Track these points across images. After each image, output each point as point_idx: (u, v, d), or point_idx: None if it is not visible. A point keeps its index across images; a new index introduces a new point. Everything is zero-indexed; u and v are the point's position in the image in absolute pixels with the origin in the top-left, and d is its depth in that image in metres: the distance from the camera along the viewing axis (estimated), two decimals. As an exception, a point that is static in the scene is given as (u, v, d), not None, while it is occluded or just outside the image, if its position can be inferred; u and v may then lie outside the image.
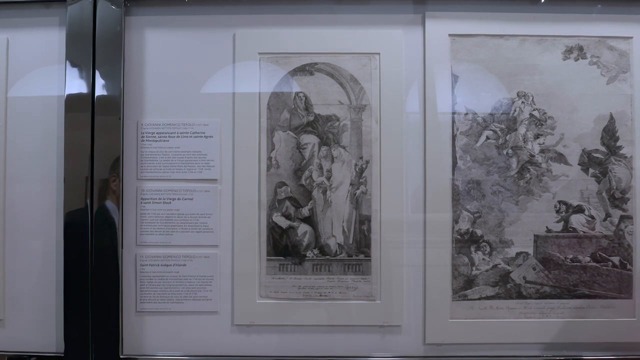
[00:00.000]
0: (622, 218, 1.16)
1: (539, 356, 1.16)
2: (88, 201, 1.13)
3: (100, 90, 1.13)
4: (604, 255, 1.16)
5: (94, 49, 1.14)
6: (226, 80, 1.17)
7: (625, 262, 1.16)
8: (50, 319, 1.17)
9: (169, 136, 1.16)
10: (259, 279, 1.15)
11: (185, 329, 1.18)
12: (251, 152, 1.15)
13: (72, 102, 1.13)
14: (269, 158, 1.15)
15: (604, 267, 1.16)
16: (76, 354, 1.14)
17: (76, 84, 1.13)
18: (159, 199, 1.16)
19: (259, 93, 1.16)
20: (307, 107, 1.15)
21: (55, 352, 1.17)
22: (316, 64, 1.15)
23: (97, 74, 1.14)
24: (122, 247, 1.15)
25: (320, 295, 1.15)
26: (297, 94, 1.15)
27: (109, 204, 1.13)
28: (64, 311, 1.14)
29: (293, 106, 1.15)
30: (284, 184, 1.14)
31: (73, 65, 1.13)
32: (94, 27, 1.15)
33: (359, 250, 1.14)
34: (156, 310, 1.17)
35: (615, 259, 1.16)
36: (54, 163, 1.18)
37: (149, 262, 1.16)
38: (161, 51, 1.18)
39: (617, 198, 1.17)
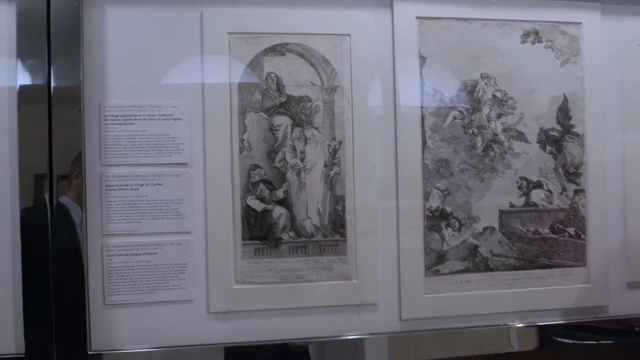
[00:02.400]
0: (576, 192, 1.02)
1: (506, 324, 0.98)
2: (47, 190, 0.84)
3: (57, 74, 0.85)
4: (561, 227, 1.01)
5: (48, 30, 0.84)
6: (194, 60, 0.94)
7: (580, 232, 1.02)
8: (7, 318, 0.87)
9: (134, 119, 0.89)
10: (234, 264, 0.92)
11: (158, 320, 0.94)
12: (223, 135, 0.91)
13: (26, 93, 0.83)
14: (241, 140, 0.91)
15: (562, 238, 1.01)
16: (38, 353, 0.85)
17: (30, 70, 0.83)
18: (126, 185, 0.90)
19: (229, 74, 0.91)
20: (279, 88, 0.91)
21: (15, 353, 0.87)
22: (287, 44, 0.92)
23: (53, 54, 0.85)
24: (86, 238, 0.87)
25: (297, 278, 0.93)
26: (268, 74, 0.92)
27: (71, 192, 0.85)
28: (23, 309, 0.87)
29: (264, 87, 0.91)
30: (257, 166, 0.91)
31: (26, 48, 0.83)
32: (47, 4, 0.85)
33: (334, 231, 0.93)
34: (126, 302, 0.92)
35: (571, 230, 1.01)
36: (7, 158, 0.88)
37: (116, 252, 0.90)
38: (124, 30, 0.93)
39: (572, 173, 1.01)
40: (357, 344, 0.96)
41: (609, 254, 1.05)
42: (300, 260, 0.95)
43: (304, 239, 0.95)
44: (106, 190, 0.91)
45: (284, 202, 0.95)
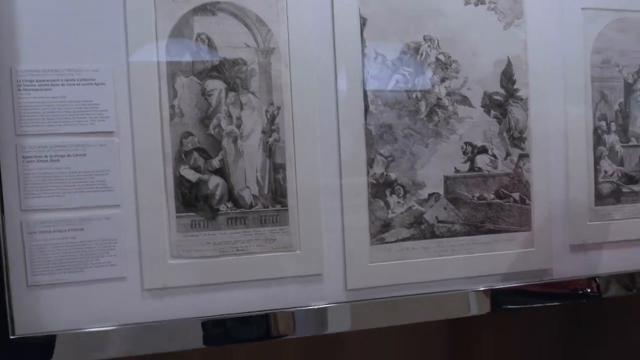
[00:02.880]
0: (520, 156, 0.97)
1: (453, 290, 0.93)
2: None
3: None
4: (506, 192, 0.96)
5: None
6: (116, 20, 0.84)
7: (525, 197, 0.98)
8: None
9: (52, 84, 0.79)
10: (169, 238, 0.83)
11: (88, 299, 0.85)
12: (151, 100, 0.82)
13: None
14: (172, 106, 0.82)
15: (507, 203, 0.97)
16: (-46, 340, 0.75)
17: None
18: (45, 156, 0.80)
19: (156, 34, 0.82)
20: (211, 49, 0.81)
21: None
22: (218, 2, 0.84)
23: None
24: (2, 214, 0.76)
25: (237, 250, 0.85)
26: (199, 35, 0.82)
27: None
28: None
29: (195, 49, 0.80)
30: (190, 134, 0.82)
31: None
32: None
33: (275, 201, 0.85)
34: (52, 282, 0.83)
35: (516, 195, 0.97)
36: None
37: (38, 229, 0.80)
38: (34, -15, 0.78)
39: (516, 138, 0.97)
40: (302, 316, 0.90)
41: (552, 218, 1.02)
42: (239, 232, 0.88)
43: (243, 209, 0.88)
44: (23, 162, 0.81)
45: (220, 172, 0.87)
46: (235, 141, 0.88)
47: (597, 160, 1.06)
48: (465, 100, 0.97)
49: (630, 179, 1.08)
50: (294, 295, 0.91)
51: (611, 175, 1.07)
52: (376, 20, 0.93)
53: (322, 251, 0.91)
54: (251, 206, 0.89)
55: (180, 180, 0.86)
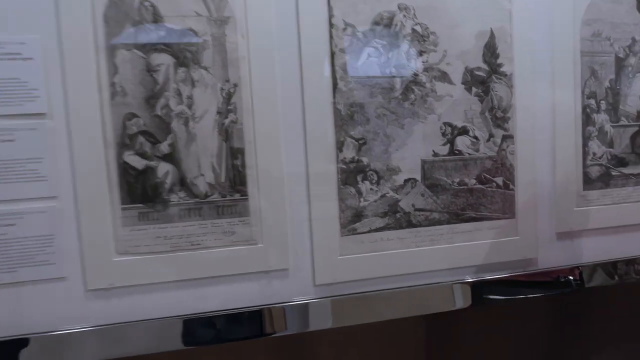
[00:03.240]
0: (504, 138, 0.87)
1: (432, 283, 0.83)
2: None
3: None
4: (488, 176, 0.86)
5: None
6: None
7: (508, 182, 0.88)
8: None
9: None
10: (114, 232, 0.73)
11: (23, 302, 0.74)
12: (87, 78, 0.71)
13: None
14: (112, 84, 0.70)
15: (489, 189, 0.87)
16: None
17: None
18: None
19: (92, 1, 0.68)
20: (156, 19, 0.69)
21: None
22: None
23: None
24: None
25: (192, 245, 0.74)
26: (142, 2, 0.69)
27: None
28: None
29: (138, 18, 0.68)
30: (134, 115, 0.71)
31: None
32: None
33: (233, 189, 0.74)
34: None
35: (499, 180, 0.87)
36: None
37: None
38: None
39: (499, 117, 0.86)
40: (267, 315, 0.80)
41: (537, 204, 0.93)
42: (194, 225, 0.77)
43: (197, 199, 0.77)
44: (-60, 149, 0.69)
45: (171, 158, 0.75)
46: (186, 123, 0.76)
47: (585, 141, 0.96)
48: (444, 77, 0.87)
49: (619, 161, 0.99)
50: (257, 292, 0.81)
51: (600, 158, 0.98)
52: (345, -14, 0.81)
53: (287, 244, 0.80)
54: (206, 196, 0.78)
55: (124, 168, 0.75)
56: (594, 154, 0.97)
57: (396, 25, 0.84)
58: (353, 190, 0.84)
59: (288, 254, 0.81)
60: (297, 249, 0.81)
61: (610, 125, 0.98)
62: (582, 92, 0.96)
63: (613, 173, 0.99)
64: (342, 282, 0.85)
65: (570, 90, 0.94)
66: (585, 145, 0.96)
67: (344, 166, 0.83)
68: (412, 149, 0.86)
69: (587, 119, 0.97)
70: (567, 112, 0.93)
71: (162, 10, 0.75)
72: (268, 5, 0.78)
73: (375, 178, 0.85)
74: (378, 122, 0.84)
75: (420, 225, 0.87)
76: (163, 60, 0.75)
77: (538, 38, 0.90)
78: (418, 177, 0.87)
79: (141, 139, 0.75)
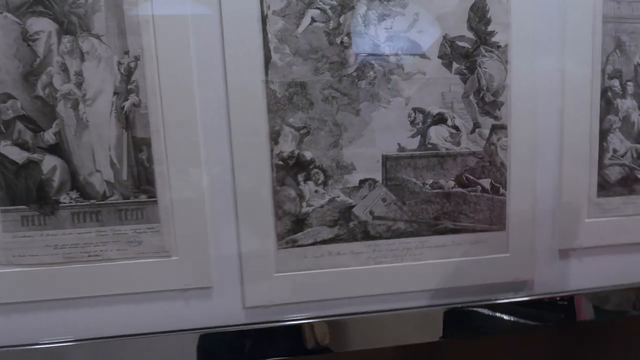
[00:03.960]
0: (494, 128, 0.64)
1: (396, 310, 0.63)
2: None
3: None
4: (472, 177, 0.65)
5: None
6: None
7: (498, 185, 0.65)
8: None
9: None
10: None
11: None
12: None
13: None
14: None
15: (472, 193, 0.65)
16: None
17: None
18: None
19: None
20: None
21: None
22: None
23: None
24: None
25: (89, 256, 0.58)
26: None
27: None
28: None
29: None
30: (9, 96, 0.55)
31: None
32: None
33: (138, 189, 0.57)
34: None
35: (486, 182, 0.65)
36: None
37: None
38: None
39: (488, 102, 0.64)
40: (184, 341, 0.63)
41: (536, 214, 0.69)
42: (91, 232, 0.60)
43: (93, 201, 0.59)
44: None
45: (58, 149, 0.58)
46: (75, 106, 0.58)
47: (604, 134, 0.71)
48: (415, 48, 0.64)
49: (650, 161, 0.74)
50: (173, 314, 0.64)
51: (623, 156, 0.73)
52: None
53: (209, 257, 0.62)
54: (105, 197, 0.60)
55: (1, 162, 0.58)
56: (615, 150, 0.73)
57: (351, -20, 0.62)
58: (293, 192, 0.64)
59: (210, 270, 0.62)
60: (222, 264, 0.62)
61: (639, 114, 0.73)
62: (603, 71, 0.70)
63: (639, 176, 0.74)
64: (280, 304, 0.66)
65: (586, 67, 0.69)
66: (603, 139, 0.70)
67: (281, 162, 0.63)
68: (370, 142, 0.64)
69: (607, 106, 0.72)
70: (581, 95, 0.68)
71: (41, -40, 0.57)
72: (179, -46, 0.59)
73: (322, 178, 0.64)
74: (325, 107, 0.63)
75: (381, 238, 0.66)
76: (43, 26, 0.57)
77: (545, -2, 0.68)
78: (378, 177, 0.66)
79: (20, 125, 0.58)
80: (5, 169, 0.59)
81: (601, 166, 0.73)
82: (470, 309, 0.69)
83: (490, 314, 0.71)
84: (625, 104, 0.73)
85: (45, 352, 0.60)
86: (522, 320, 0.72)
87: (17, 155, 0.59)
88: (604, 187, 0.72)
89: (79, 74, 0.59)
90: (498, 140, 0.69)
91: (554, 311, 0.72)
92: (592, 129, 0.70)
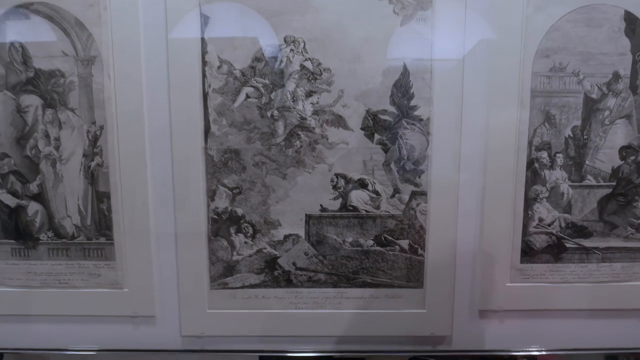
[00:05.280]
0: (414, 194, 0.70)
1: (316, 352, 0.71)
2: None
3: None
4: (391, 238, 0.70)
5: None
6: None
7: (416, 246, 0.70)
8: None
9: None
10: None
11: None
12: None
13: None
14: None
15: (390, 252, 0.69)
16: None
17: None
18: None
19: None
20: (25, 60, 0.67)
21: None
22: (32, 4, 0.66)
23: None
24: None
25: (59, 283, 0.72)
26: (12, 44, 0.66)
27: None
28: None
29: (8, 59, 0.65)
30: (5, 155, 0.69)
31: None
32: None
33: (99, 233, 0.70)
34: None
35: (404, 243, 0.71)
36: None
37: None
38: None
39: (409, 170, 0.69)
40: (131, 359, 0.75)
41: (457, 274, 0.73)
42: (62, 264, 0.74)
43: (64, 240, 0.73)
44: None
45: (40, 198, 0.73)
46: (54, 164, 0.72)
47: (529, 203, 0.73)
48: (339, 121, 0.71)
49: (579, 231, 0.74)
50: (124, 336, 0.76)
51: (550, 225, 0.74)
52: (222, 19, 0.69)
53: (153, 291, 0.74)
54: (73, 237, 0.74)
55: None
56: (541, 219, 0.74)
57: (281, 61, 0.70)
58: (225, 242, 0.74)
59: (154, 302, 0.74)
60: (164, 298, 0.74)
61: (569, 185, 0.73)
62: (530, 143, 0.72)
63: (568, 245, 0.74)
64: (211, 335, 0.76)
65: (510, 139, 0.71)
66: (529, 208, 0.72)
67: (215, 216, 0.73)
68: (295, 202, 0.72)
69: (534, 176, 0.73)
70: (504, 166, 0.71)
71: (32, 50, 0.70)
72: (136, 43, 0.70)
73: (251, 231, 0.73)
74: (255, 171, 0.72)
75: (302, 286, 0.74)
76: (32, 101, 0.71)
77: (469, 74, 0.69)
78: (301, 233, 0.73)
79: (12, 178, 0.73)
80: (1, 211, 0.75)
81: (525, 234, 0.75)
82: (382, 355, 0.75)
83: (406, 364, 0.76)
84: (554, 175, 0.74)
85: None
86: (437, 374, 0.76)
87: (10, 200, 0.75)
88: (528, 254, 0.74)
89: (57, 139, 0.73)
90: (417, 205, 0.74)
91: (468, 369, 0.75)
92: (516, 198, 0.71)
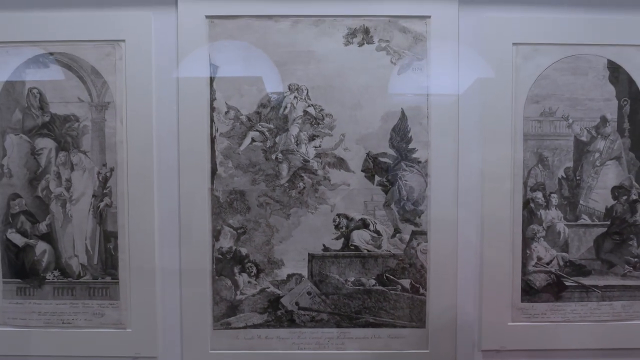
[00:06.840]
0: (414, 234, 0.72)
1: None
2: None
3: None
4: (392, 277, 0.72)
5: None
6: None
7: (418, 285, 0.72)
8: None
9: None
10: None
11: None
12: None
13: None
14: (1, 166, 0.70)
15: (392, 292, 0.71)
16: None
17: None
18: None
19: None
20: (42, 105, 0.72)
21: None
22: (52, 54, 0.69)
23: None
24: None
25: (63, 323, 0.73)
26: (30, 90, 0.70)
27: None
28: None
29: (26, 105, 0.70)
30: (17, 195, 0.72)
31: None
32: None
33: (105, 272, 0.72)
34: None
35: (406, 282, 0.73)
36: None
37: None
38: None
39: (409, 210, 0.72)
40: None
41: (459, 314, 0.75)
42: (66, 303, 0.75)
43: (70, 279, 0.75)
44: None
45: (48, 237, 0.75)
46: (64, 205, 0.75)
47: (527, 242, 0.75)
48: (340, 163, 0.75)
49: (578, 270, 0.76)
50: None
51: (548, 264, 0.76)
52: (230, 68, 0.74)
53: (156, 331, 0.75)
54: (79, 276, 0.75)
55: (7, 245, 0.76)
56: (540, 258, 0.76)
57: (285, 107, 0.74)
58: (229, 282, 0.75)
59: (157, 342, 0.75)
60: (166, 338, 0.75)
61: (565, 225, 0.76)
62: (525, 184, 0.76)
63: (567, 283, 0.76)
64: (214, 378, 0.76)
65: (506, 181, 0.75)
66: (526, 247, 0.74)
67: (220, 256, 0.75)
68: (298, 242, 0.74)
69: (530, 216, 0.76)
70: (501, 206, 0.74)
71: (49, 96, 0.75)
72: (149, 91, 0.74)
73: (255, 271, 0.75)
74: (260, 211, 0.75)
75: (305, 326, 0.75)
76: (46, 144, 0.75)
77: (465, 119, 0.73)
78: (304, 272, 0.75)
79: (22, 218, 0.76)
80: (9, 250, 0.77)
81: (525, 272, 0.76)
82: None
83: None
84: (550, 215, 0.77)
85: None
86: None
87: (19, 240, 0.77)
88: (529, 293, 0.76)
89: (69, 180, 0.76)
90: (418, 244, 0.76)
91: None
92: (514, 237, 0.74)
